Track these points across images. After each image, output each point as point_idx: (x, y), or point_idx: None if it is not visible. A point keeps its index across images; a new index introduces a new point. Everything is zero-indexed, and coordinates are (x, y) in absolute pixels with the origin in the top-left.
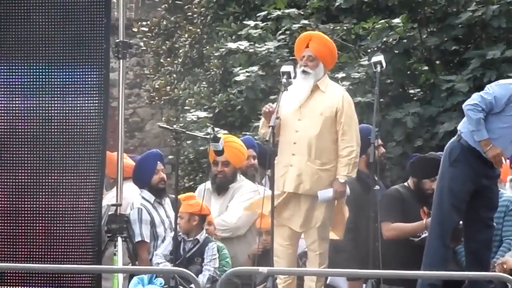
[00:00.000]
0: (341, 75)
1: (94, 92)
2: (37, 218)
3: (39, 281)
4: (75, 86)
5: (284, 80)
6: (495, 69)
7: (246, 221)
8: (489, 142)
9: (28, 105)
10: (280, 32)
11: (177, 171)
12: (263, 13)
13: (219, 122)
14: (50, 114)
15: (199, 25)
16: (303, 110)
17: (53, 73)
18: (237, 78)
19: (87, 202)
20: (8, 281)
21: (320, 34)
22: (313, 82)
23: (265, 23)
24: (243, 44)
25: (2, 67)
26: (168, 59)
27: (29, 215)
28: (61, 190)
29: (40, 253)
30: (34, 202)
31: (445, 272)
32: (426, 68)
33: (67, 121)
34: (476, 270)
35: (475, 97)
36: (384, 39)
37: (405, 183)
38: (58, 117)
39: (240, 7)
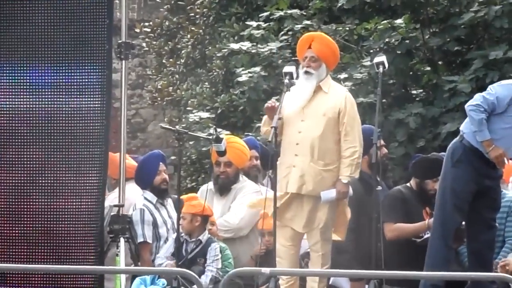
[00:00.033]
0: (343, 75)
1: (97, 92)
2: (39, 219)
3: (42, 282)
4: (78, 86)
5: (286, 81)
6: (497, 69)
7: (249, 221)
8: (492, 142)
9: (31, 105)
10: (282, 32)
11: (180, 172)
12: (265, 14)
13: (221, 123)
14: (52, 115)
15: (201, 25)
16: (306, 111)
17: (55, 74)
18: (240, 79)
19: (89, 203)
20: (10, 282)
21: (322, 34)
22: (316, 83)
23: (267, 24)
24: (246, 45)
25: (5, 68)
26: (171, 59)
27: (31, 215)
28: (64, 190)
29: (42, 253)
30: (37, 203)
31: (447, 273)
32: (428, 68)
33: (70, 121)
34: (478, 270)
35: (477, 98)
36: (387, 40)
37: (408, 184)
38: (61, 118)
39: (243, 7)
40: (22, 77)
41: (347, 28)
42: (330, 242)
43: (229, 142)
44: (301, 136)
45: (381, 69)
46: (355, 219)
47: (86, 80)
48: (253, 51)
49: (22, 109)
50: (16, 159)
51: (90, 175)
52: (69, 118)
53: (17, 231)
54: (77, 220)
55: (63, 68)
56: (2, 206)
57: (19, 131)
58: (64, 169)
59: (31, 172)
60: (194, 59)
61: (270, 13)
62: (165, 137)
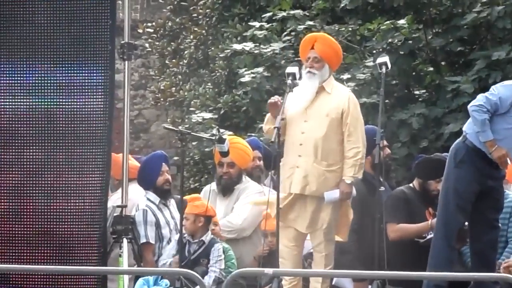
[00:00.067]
0: (346, 76)
1: (99, 93)
2: (43, 220)
3: (45, 283)
4: (80, 87)
5: (289, 81)
6: (500, 70)
7: (252, 222)
8: (494, 143)
9: (34, 106)
10: (285, 33)
11: (183, 172)
12: (268, 14)
13: (224, 123)
14: (56, 116)
15: (204, 26)
16: (309, 111)
17: (58, 74)
18: (242, 79)
19: (92, 204)
20: (13, 282)
21: (325, 35)
22: (319, 83)
23: (270, 24)
24: (248, 45)
25: (8, 68)
26: (173, 60)
27: (34, 216)
28: (67, 191)
29: (45, 254)
30: (40, 204)
31: (450, 273)
32: (431, 69)
33: (73, 122)
34: (481, 271)
35: (480, 98)
36: (390, 40)
37: (411, 184)
38: (64, 119)
39: (245, 8)
40: (25, 78)
41: (350, 29)
42: (333, 242)
43: (232, 143)
44: (304, 136)
45: (384, 70)
46: (358, 219)
47: (89, 80)
48: (256, 51)
49: (25, 109)
50: (19, 160)
51: (93, 175)
52: (72, 119)
53: (20, 232)
54: (80, 221)
55: (66, 68)
56: (5, 206)
57: (22, 131)
58: (67, 169)
59: (35, 173)
60: (197, 59)
61: (273, 14)
62: (168, 138)
